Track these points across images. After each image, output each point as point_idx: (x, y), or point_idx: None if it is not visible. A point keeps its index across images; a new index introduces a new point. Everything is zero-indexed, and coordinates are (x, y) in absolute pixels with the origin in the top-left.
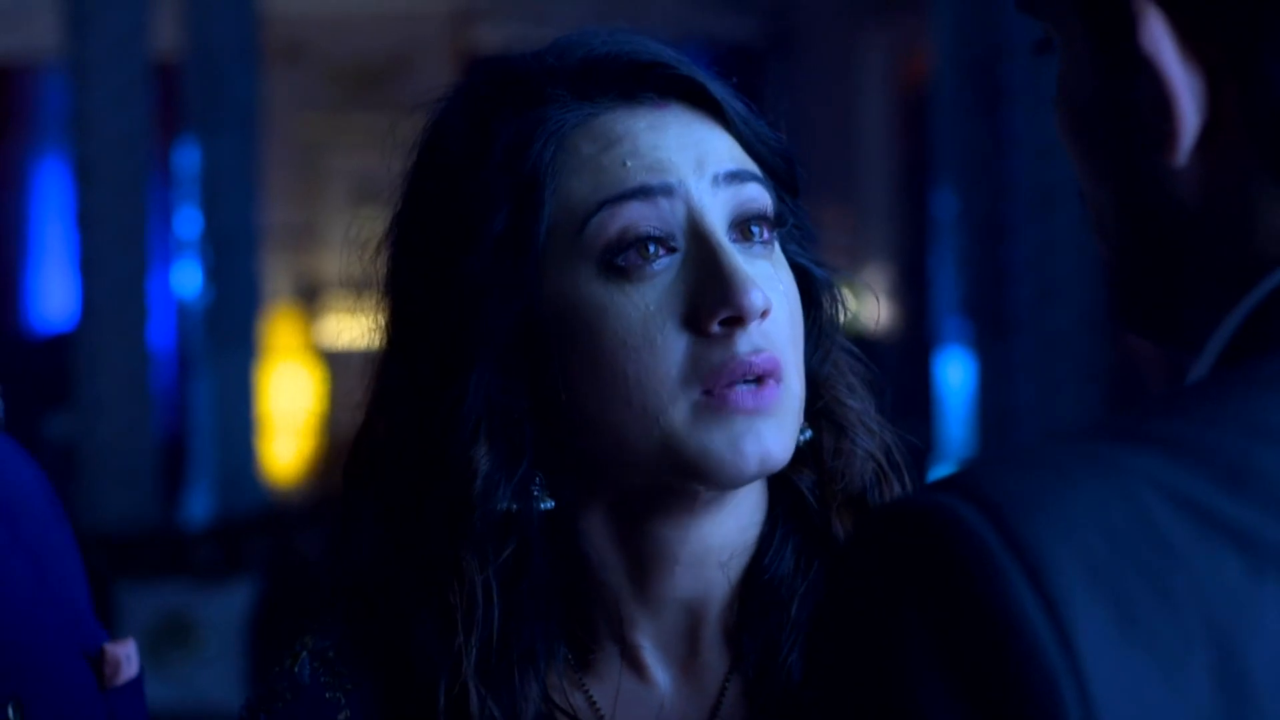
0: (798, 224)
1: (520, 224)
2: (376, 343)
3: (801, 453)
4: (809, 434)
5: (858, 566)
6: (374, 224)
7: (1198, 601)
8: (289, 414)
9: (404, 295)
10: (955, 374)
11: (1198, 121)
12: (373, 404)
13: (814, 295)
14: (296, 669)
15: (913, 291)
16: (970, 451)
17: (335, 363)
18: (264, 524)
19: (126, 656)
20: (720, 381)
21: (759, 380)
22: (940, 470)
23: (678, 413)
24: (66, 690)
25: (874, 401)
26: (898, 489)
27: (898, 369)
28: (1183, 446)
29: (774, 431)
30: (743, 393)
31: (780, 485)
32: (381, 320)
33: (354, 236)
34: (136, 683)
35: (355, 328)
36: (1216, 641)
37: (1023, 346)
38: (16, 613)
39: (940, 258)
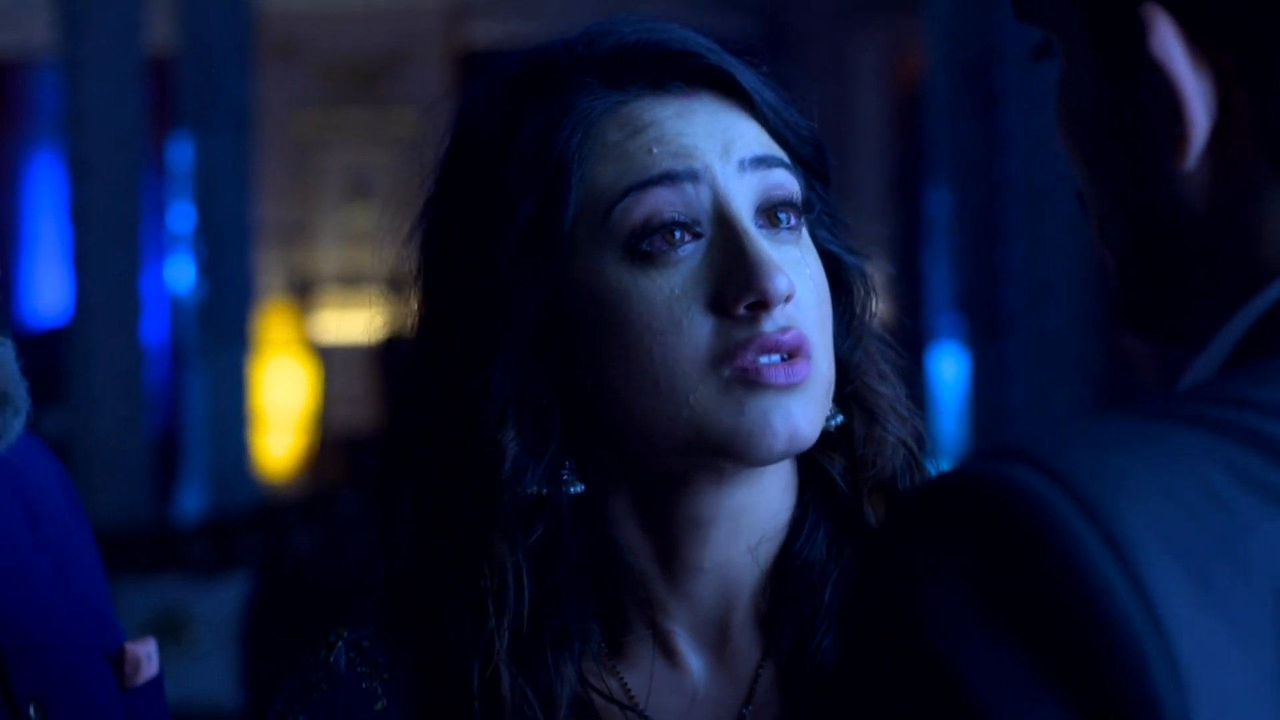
0: (827, 211)
1: (547, 210)
2: (408, 330)
3: (832, 438)
4: (840, 419)
5: (907, 543)
6: (369, 218)
7: (1266, 568)
8: (282, 409)
9: (434, 281)
10: (948, 371)
11: (1207, 125)
12: (404, 391)
13: (845, 282)
14: (332, 659)
15: (906, 289)
16: (964, 449)
17: (329, 358)
18: (258, 519)
19: (147, 656)
20: (748, 356)
21: (789, 356)
22: (937, 466)
23: (707, 391)
24: (87, 690)
25: (905, 389)
26: (929, 475)
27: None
28: (1224, 427)
29: (803, 408)
30: (773, 368)
31: (811, 470)
32: (412, 307)
33: (371, 228)
34: (156, 682)
35: (349, 322)
36: None
37: (1016, 345)
38: (39, 613)
39: (934, 256)
